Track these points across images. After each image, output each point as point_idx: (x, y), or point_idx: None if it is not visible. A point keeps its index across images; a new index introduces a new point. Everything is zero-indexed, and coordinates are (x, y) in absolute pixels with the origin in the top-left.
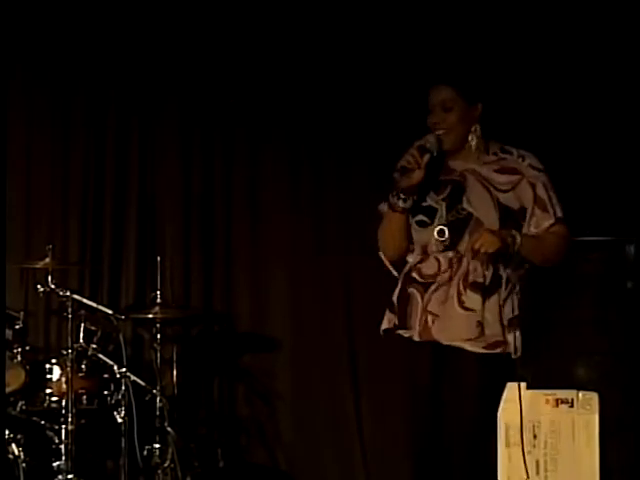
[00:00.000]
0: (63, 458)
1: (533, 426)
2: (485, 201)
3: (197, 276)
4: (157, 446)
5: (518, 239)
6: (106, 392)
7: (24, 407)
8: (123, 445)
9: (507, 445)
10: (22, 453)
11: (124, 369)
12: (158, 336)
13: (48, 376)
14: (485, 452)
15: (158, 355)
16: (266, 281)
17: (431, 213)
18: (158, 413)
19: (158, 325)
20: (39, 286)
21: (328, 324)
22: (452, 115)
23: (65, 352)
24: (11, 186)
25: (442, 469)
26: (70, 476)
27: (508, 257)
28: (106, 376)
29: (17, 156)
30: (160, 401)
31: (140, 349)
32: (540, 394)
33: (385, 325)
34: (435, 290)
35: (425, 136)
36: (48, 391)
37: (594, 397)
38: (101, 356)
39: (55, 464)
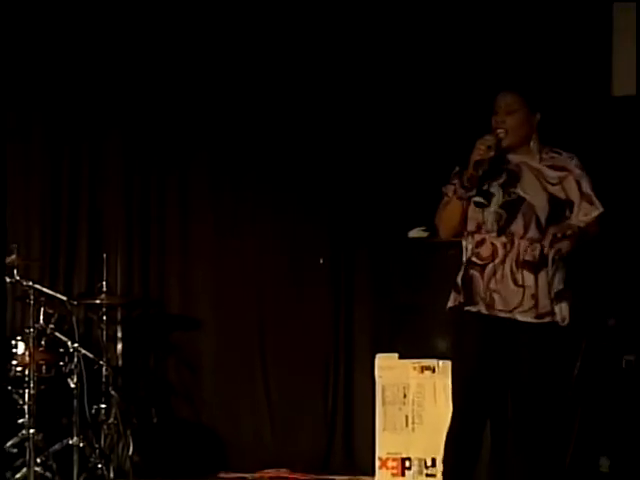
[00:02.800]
0: (26, 416)
1: (403, 388)
2: (536, 189)
3: (136, 269)
4: (103, 406)
5: (577, 229)
6: (61, 363)
7: None
8: (75, 405)
9: (383, 403)
10: None
11: (76, 344)
12: (104, 318)
13: (14, 350)
14: (546, 406)
15: (104, 333)
16: (193, 273)
17: (488, 196)
18: (104, 380)
19: (104, 309)
20: (7, 277)
21: (243, 308)
22: (513, 118)
23: (28, 331)
24: None
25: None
26: (32, 430)
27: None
28: (61, 350)
29: None
30: (106, 370)
31: (89, 328)
32: (409, 363)
33: (451, 303)
34: (492, 270)
35: (485, 135)
36: (14, 362)
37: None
38: (57, 334)
39: (20, 421)
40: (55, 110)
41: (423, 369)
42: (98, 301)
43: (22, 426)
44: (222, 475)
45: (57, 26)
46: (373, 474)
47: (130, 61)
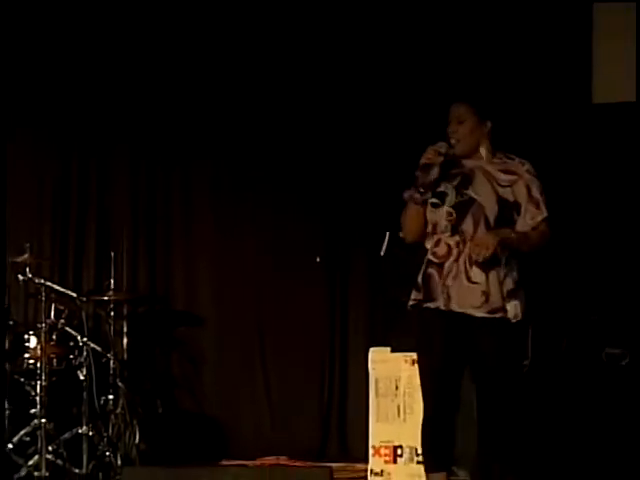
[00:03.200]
0: (38, 406)
1: (395, 380)
2: (487, 191)
3: (142, 268)
4: (111, 397)
5: (514, 235)
6: (71, 356)
7: (8, 368)
8: (84, 396)
9: (376, 395)
10: (7, 402)
11: (85, 339)
12: (112, 314)
13: (27, 344)
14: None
15: (112, 328)
16: (196, 272)
17: (442, 197)
18: (112, 372)
19: (112, 305)
20: (20, 275)
21: (243, 305)
22: (464, 127)
23: (40, 326)
24: None
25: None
26: (43, 420)
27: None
28: (71, 344)
29: (3, 179)
30: (113, 363)
31: (98, 323)
32: (400, 356)
33: (411, 302)
34: (448, 268)
35: (438, 142)
36: (27, 355)
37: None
38: (68, 329)
39: (32, 411)
40: (65, 116)
41: (414, 362)
42: (106, 298)
43: (34, 416)
44: (224, 462)
45: (63, 32)
46: (367, 461)
47: (136, 66)
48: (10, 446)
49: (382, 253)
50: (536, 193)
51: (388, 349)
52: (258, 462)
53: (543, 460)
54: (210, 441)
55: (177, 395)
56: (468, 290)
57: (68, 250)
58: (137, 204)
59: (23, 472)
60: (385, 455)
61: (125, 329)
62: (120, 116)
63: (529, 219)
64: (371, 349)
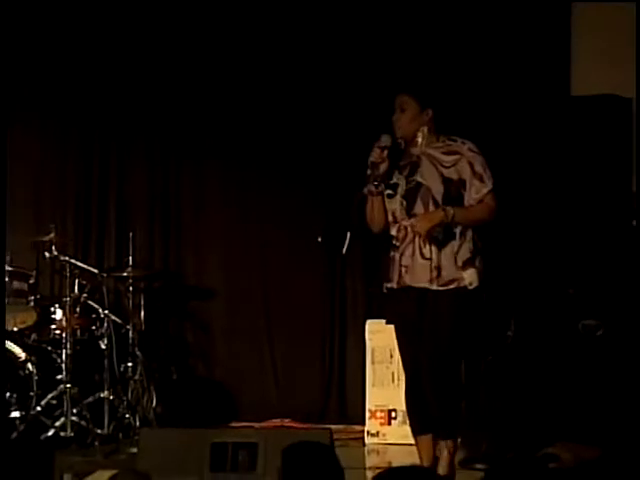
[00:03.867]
0: (64, 373)
1: (390, 349)
2: (433, 174)
3: (158, 246)
4: (130, 365)
5: (451, 212)
6: (94, 327)
7: (36, 338)
8: (106, 364)
9: (372, 362)
10: (35, 369)
11: (106, 311)
12: (130, 288)
13: (53, 316)
14: (450, 363)
15: (130, 302)
16: (207, 249)
17: (395, 188)
18: (130, 342)
19: (130, 281)
20: (46, 253)
21: (250, 280)
22: (405, 115)
23: (65, 299)
24: (26, 186)
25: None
26: (68, 385)
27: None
28: (94, 316)
29: (32, 166)
30: (132, 333)
31: (118, 297)
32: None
33: (386, 285)
34: (404, 248)
35: (380, 137)
36: (53, 326)
37: None
38: (90, 302)
39: (58, 377)
40: (88, 107)
41: None
42: (125, 274)
43: (60, 381)
44: (233, 424)
45: (88, 23)
46: (364, 423)
47: (151, 64)
48: (38, 409)
49: (344, 252)
50: (479, 168)
51: (383, 321)
52: (264, 424)
53: (521, 425)
54: (220, 405)
55: (190, 362)
56: (421, 266)
57: (90, 230)
58: (153, 189)
59: (50, 432)
60: (380, 418)
61: (142, 302)
62: (138, 107)
63: (474, 193)
64: (368, 321)
